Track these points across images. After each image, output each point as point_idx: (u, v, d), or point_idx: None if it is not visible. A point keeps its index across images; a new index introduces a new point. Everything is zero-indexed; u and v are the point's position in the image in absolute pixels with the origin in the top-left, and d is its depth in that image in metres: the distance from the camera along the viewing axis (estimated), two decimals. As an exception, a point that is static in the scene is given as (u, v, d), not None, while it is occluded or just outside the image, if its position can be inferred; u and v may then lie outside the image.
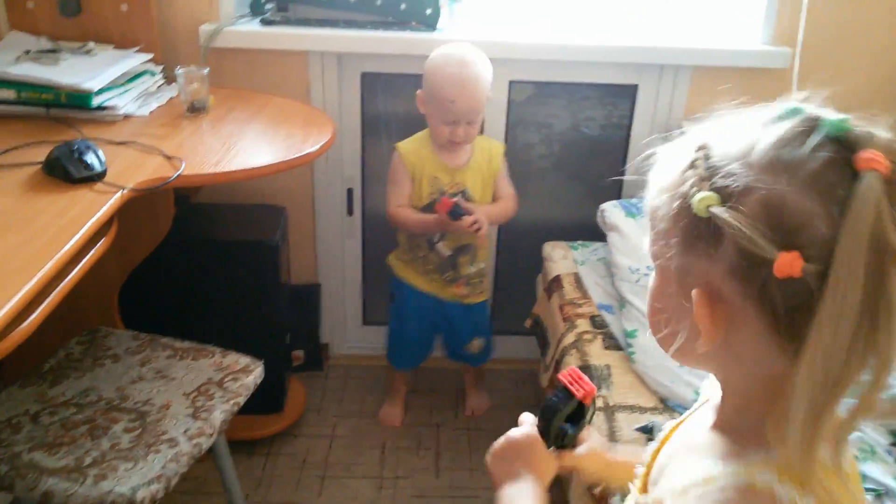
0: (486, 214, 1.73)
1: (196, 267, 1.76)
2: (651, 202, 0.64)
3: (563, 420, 0.82)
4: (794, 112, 0.57)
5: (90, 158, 1.30)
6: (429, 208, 1.75)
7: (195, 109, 1.65)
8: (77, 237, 1.11)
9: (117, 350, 1.39)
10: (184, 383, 1.31)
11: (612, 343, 1.58)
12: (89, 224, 1.15)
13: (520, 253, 2.13)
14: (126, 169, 1.35)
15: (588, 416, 0.84)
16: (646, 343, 1.53)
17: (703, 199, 0.55)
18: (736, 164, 0.55)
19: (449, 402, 2.09)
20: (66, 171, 1.27)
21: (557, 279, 1.78)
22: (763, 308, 0.54)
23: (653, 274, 0.66)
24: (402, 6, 1.88)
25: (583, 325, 1.62)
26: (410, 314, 1.89)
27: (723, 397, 0.65)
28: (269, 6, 1.94)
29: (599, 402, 1.43)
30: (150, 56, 1.75)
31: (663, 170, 0.63)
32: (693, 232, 0.57)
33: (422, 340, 1.96)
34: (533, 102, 2.06)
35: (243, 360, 1.38)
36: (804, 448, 0.52)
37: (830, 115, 0.55)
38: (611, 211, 1.78)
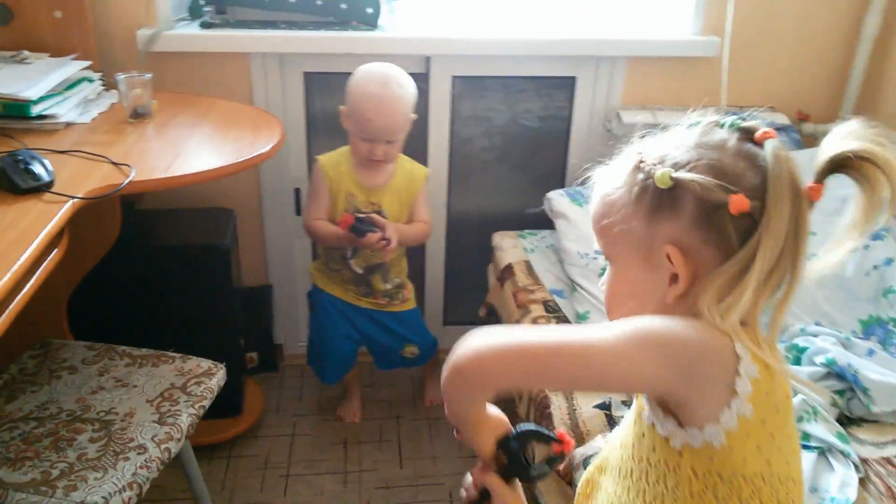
0: (398, 232, 1.72)
1: (146, 274, 1.74)
2: (604, 201, 0.79)
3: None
4: (697, 123, 0.76)
5: (36, 168, 1.28)
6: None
7: (138, 115, 1.63)
8: (32, 247, 1.09)
9: (73, 361, 1.37)
10: (146, 390, 1.30)
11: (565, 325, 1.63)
12: (43, 234, 1.13)
13: (468, 244, 2.17)
14: (74, 178, 1.33)
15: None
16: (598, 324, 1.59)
17: (664, 172, 0.72)
18: (676, 150, 0.74)
19: (406, 394, 2.12)
20: (11, 182, 1.25)
21: (509, 267, 1.83)
22: (720, 246, 0.71)
23: (609, 269, 0.81)
24: (343, 6, 1.90)
25: (536, 310, 1.67)
26: (332, 323, 1.88)
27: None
28: (207, 9, 1.93)
29: (557, 384, 1.48)
30: (87, 63, 1.72)
31: (609, 179, 0.79)
32: (656, 203, 0.73)
33: (343, 351, 1.92)
34: (474, 97, 2.10)
35: (205, 363, 1.38)
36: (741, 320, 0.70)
37: (722, 118, 0.76)
38: (557, 199, 1.84)
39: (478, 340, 0.73)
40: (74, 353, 1.39)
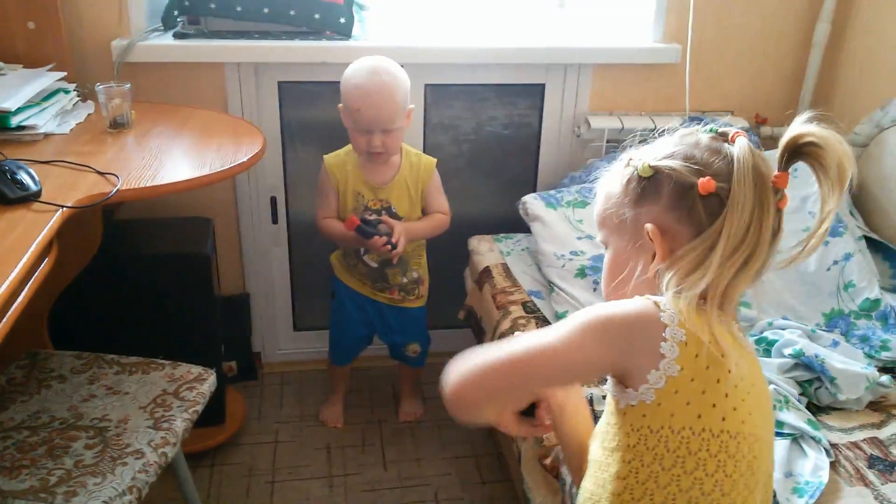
0: (407, 231, 1.75)
1: (127, 283, 1.74)
2: (603, 196, 0.93)
3: None
4: (679, 130, 0.91)
5: (23, 178, 1.28)
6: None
7: (118, 125, 1.64)
8: (27, 256, 1.10)
9: (62, 371, 1.37)
10: (138, 397, 1.31)
11: (545, 326, 1.68)
12: (37, 242, 1.14)
13: (443, 250, 2.21)
14: (60, 187, 1.33)
15: None
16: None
17: (644, 163, 0.87)
18: (658, 149, 0.89)
19: (387, 398, 2.15)
20: (-1, 192, 1.25)
21: (487, 270, 1.87)
22: (691, 224, 0.83)
23: (606, 254, 0.94)
24: (316, 16, 1.92)
25: (516, 311, 1.71)
26: (348, 312, 1.93)
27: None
28: (180, 19, 1.94)
29: (540, 381, 1.53)
30: (63, 74, 1.72)
31: (608, 178, 0.94)
32: (640, 191, 0.87)
33: (358, 336, 1.99)
34: (445, 104, 2.14)
35: (195, 369, 1.39)
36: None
37: (704, 126, 0.89)
38: (532, 203, 1.89)
39: (453, 372, 0.84)
40: (62, 362, 1.39)
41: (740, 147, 0.83)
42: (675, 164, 0.84)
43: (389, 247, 1.71)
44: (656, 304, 0.81)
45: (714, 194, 0.82)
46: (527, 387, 0.89)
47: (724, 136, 0.87)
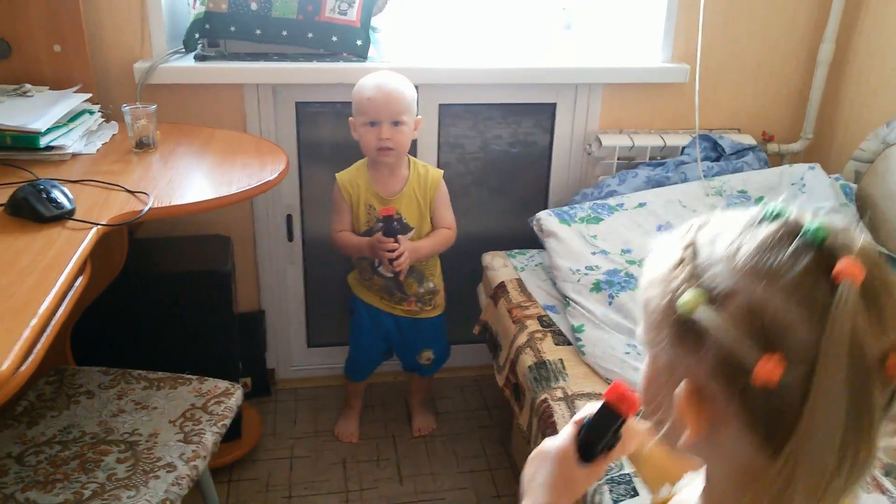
0: (414, 250, 1.81)
1: (148, 301, 1.77)
2: (644, 293, 0.64)
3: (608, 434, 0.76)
4: (777, 215, 0.58)
5: (58, 196, 1.31)
6: (368, 234, 1.83)
7: (143, 145, 1.67)
8: (67, 271, 1.13)
9: (89, 386, 1.39)
10: (167, 411, 1.33)
11: (561, 339, 1.70)
12: (74, 259, 1.17)
13: (456, 266, 2.23)
14: (93, 206, 1.36)
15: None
16: (593, 336, 1.67)
17: (688, 300, 0.56)
18: (720, 266, 0.56)
19: (401, 414, 2.17)
20: (35, 210, 1.28)
21: (502, 286, 1.90)
22: (744, 408, 0.55)
23: (645, 359, 0.65)
24: (334, 38, 1.97)
25: (532, 325, 1.74)
26: (365, 329, 1.97)
27: (707, 484, 0.66)
28: (200, 42, 1.98)
29: (559, 393, 1.55)
30: (88, 95, 1.75)
31: (655, 262, 0.63)
32: (681, 329, 0.58)
33: (375, 353, 2.03)
34: (459, 123, 2.18)
35: (222, 384, 1.41)
36: None
37: (810, 220, 0.56)
38: (546, 219, 1.92)
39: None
40: (90, 378, 1.41)
41: (840, 311, 0.51)
42: (724, 331, 0.54)
43: (395, 264, 1.76)
44: None
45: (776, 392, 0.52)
46: None
47: (827, 259, 0.53)
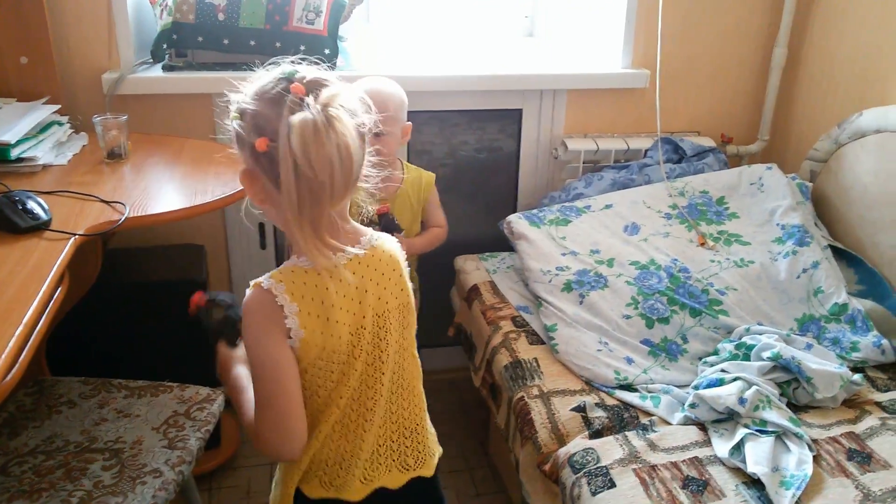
0: (410, 246, 1.77)
1: (123, 310, 1.76)
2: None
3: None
4: (282, 70, 0.96)
5: (33, 208, 1.31)
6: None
7: (115, 156, 1.68)
8: (46, 284, 1.13)
9: (70, 396, 1.39)
10: (149, 419, 1.34)
11: (535, 339, 1.74)
12: (54, 271, 1.17)
13: (429, 270, 2.26)
14: (69, 216, 1.36)
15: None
16: (565, 334, 1.72)
17: (231, 118, 0.97)
18: (245, 97, 0.97)
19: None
20: (11, 222, 1.28)
21: (475, 288, 1.94)
22: (262, 169, 0.93)
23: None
24: (302, 47, 1.99)
25: (506, 325, 1.78)
26: None
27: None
28: (168, 52, 1.98)
29: (535, 391, 1.59)
30: (57, 107, 1.75)
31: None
32: (235, 136, 0.97)
33: None
34: (425, 130, 2.22)
35: (203, 390, 1.42)
36: (307, 243, 0.94)
37: (290, 67, 0.96)
38: (516, 222, 1.96)
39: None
40: (70, 388, 1.41)
41: (288, 107, 0.90)
42: (239, 129, 0.95)
43: None
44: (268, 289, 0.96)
45: (266, 153, 0.91)
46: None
47: (289, 84, 0.93)
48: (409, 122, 1.80)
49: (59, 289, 1.23)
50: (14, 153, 1.56)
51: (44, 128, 1.69)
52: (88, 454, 1.25)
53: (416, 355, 1.16)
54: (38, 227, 1.29)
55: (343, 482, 1.07)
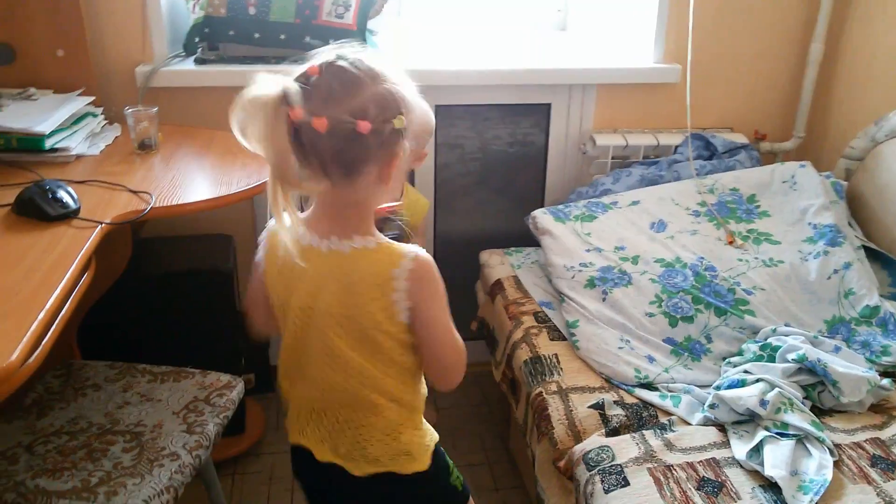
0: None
1: (152, 298, 1.81)
2: None
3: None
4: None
5: (63, 196, 1.35)
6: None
7: (145, 147, 1.71)
8: (71, 270, 1.17)
9: (96, 379, 1.43)
10: (171, 403, 1.37)
11: (556, 335, 1.74)
12: (80, 257, 1.21)
13: (454, 264, 2.27)
14: (97, 205, 1.40)
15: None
16: (587, 331, 1.71)
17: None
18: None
19: (400, 410, 2.20)
20: (41, 210, 1.32)
21: (498, 283, 1.94)
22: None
23: None
24: (331, 41, 1.99)
25: (528, 321, 1.78)
26: None
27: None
28: (200, 46, 2.02)
29: (554, 387, 1.59)
30: (91, 98, 1.80)
31: None
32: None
33: None
34: (454, 124, 2.22)
35: (224, 377, 1.45)
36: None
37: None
38: (541, 217, 1.96)
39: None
40: (96, 372, 1.45)
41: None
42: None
43: None
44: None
45: None
46: None
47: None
48: (426, 151, 1.80)
49: (85, 275, 1.27)
50: (48, 143, 1.61)
51: (78, 119, 1.73)
52: (110, 436, 1.28)
53: (375, 368, 1.09)
54: (67, 215, 1.33)
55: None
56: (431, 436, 1.20)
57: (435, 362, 1.12)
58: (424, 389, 1.20)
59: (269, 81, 0.95)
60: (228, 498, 1.84)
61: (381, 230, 1.12)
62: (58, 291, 1.10)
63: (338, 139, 0.96)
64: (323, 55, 1.00)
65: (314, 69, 0.97)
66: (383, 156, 1.01)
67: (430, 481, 1.20)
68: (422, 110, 1.09)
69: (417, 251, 1.05)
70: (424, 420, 1.20)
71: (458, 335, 1.14)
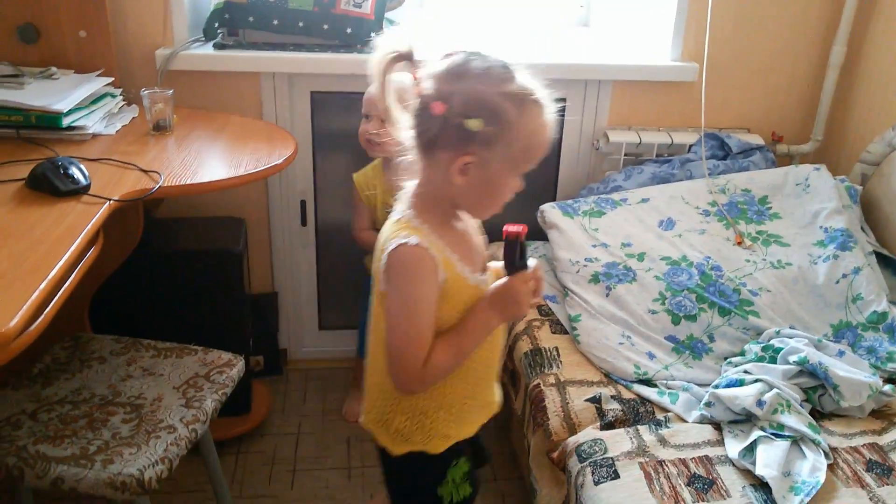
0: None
1: (164, 277, 1.84)
2: None
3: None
4: None
5: (74, 173, 1.39)
6: None
7: (160, 128, 1.75)
8: (78, 241, 1.20)
9: (102, 353, 1.47)
10: (172, 378, 1.40)
11: (558, 328, 1.75)
12: (85, 231, 1.24)
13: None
14: (108, 182, 1.44)
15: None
16: (588, 325, 1.71)
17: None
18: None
19: (405, 398, 2.22)
20: (52, 185, 1.36)
21: (504, 275, 1.94)
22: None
23: None
24: (348, 30, 2.02)
25: (531, 313, 1.78)
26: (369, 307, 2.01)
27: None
28: (220, 31, 2.05)
29: (552, 380, 1.60)
30: (110, 79, 1.83)
31: None
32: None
33: None
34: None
35: (225, 355, 1.48)
36: None
37: None
38: (550, 211, 1.96)
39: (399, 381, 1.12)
40: (103, 345, 1.49)
41: None
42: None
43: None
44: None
45: None
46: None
47: None
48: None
49: (92, 249, 1.31)
50: (66, 122, 1.64)
51: (97, 99, 1.77)
52: (111, 407, 1.32)
53: (376, 335, 1.15)
54: (77, 191, 1.37)
55: None
56: (425, 433, 1.19)
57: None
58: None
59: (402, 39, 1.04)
60: (231, 476, 1.88)
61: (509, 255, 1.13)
62: (61, 263, 1.13)
63: (420, 109, 1.02)
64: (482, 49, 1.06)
65: (454, 51, 1.04)
66: (448, 148, 1.02)
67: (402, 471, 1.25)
68: (530, 139, 1.05)
69: (408, 242, 1.04)
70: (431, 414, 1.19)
71: (409, 345, 1.07)
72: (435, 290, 1.07)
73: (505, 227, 1.12)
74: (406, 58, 1.04)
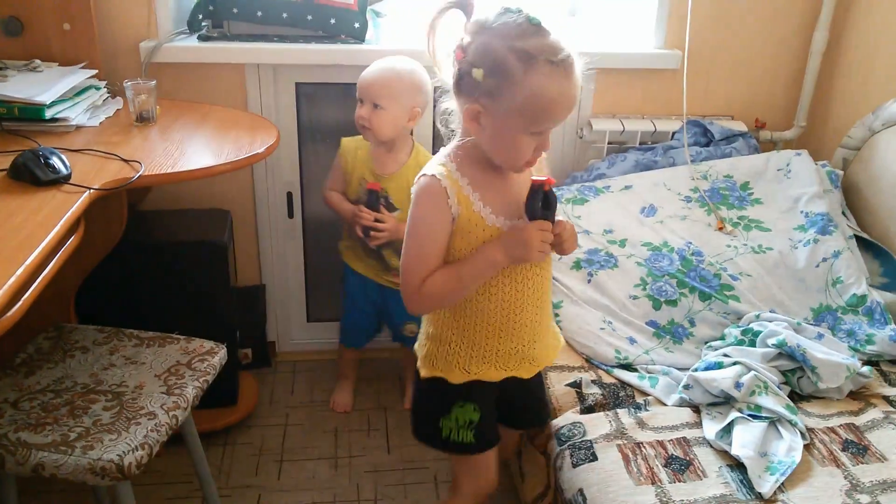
0: (396, 230, 1.83)
1: (149, 269, 1.85)
2: None
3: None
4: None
5: (55, 163, 1.40)
6: (356, 203, 1.89)
7: (143, 119, 1.76)
8: (54, 232, 1.21)
9: (85, 343, 1.48)
10: (154, 367, 1.41)
11: (540, 314, 1.76)
12: (63, 220, 1.25)
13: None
14: (88, 172, 1.45)
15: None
16: (570, 312, 1.72)
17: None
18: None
19: (394, 387, 2.24)
20: (33, 174, 1.36)
21: (488, 263, 1.95)
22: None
23: None
24: (332, 21, 2.03)
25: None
26: (356, 295, 2.03)
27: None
28: (204, 23, 2.06)
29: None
30: (94, 72, 1.84)
31: None
32: None
33: (366, 320, 2.09)
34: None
35: (207, 343, 1.49)
36: None
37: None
38: (532, 199, 1.97)
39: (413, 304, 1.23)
40: (86, 335, 1.50)
41: None
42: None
43: (363, 230, 1.84)
44: None
45: None
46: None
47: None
48: (419, 109, 1.83)
49: (72, 238, 1.32)
50: (49, 113, 1.65)
51: (80, 91, 1.78)
52: (93, 395, 1.33)
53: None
54: (58, 180, 1.37)
55: None
56: (447, 360, 1.30)
57: None
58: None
59: None
60: (217, 467, 1.89)
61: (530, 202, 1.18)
62: (39, 250, 1.14)
63: (453, 57, 1.12)
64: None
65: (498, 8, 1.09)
66: (464, 95, 1.12)
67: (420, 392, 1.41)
68: (535, 98, 1.08)
69: (433, 173, 1.17)
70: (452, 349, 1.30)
71: (410, 262, 1.20)
72: (441, 219, 1.17)
73: (532, 177, 1.20)
74: (461, 6, 1.12)
